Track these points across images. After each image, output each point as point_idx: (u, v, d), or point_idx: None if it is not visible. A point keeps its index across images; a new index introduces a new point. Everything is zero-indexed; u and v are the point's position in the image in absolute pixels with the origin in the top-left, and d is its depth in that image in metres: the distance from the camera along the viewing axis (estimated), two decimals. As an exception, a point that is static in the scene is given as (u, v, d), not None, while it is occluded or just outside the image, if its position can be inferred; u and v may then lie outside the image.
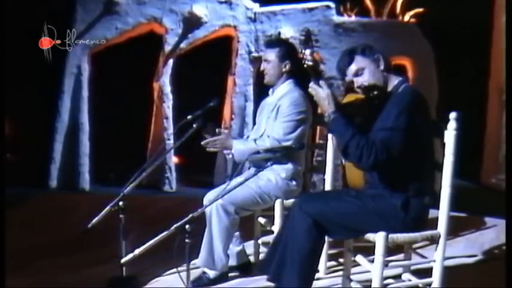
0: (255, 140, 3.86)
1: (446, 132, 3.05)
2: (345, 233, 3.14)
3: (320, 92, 3.03)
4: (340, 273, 3.84)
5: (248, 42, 6.50)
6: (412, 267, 3.48)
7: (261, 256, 4.16)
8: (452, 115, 3.04)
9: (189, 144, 6.21)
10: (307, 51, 2.99)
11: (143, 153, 6.62)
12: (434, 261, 3.14)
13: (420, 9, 6.79)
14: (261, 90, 6.37)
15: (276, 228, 3.77)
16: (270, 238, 4.18)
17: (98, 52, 6.43)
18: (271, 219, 3.97)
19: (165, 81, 6.47)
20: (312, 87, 3.06)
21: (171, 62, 6.47)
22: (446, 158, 3.06)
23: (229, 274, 3.90)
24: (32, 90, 6.51)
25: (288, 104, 3.77)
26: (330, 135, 3.85)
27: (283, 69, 3.88)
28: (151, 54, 6.56)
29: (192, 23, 6.40)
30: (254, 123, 6.31)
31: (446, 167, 3.06)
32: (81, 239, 4.65)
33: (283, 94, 3.85)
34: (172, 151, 6.47)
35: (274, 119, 3.83)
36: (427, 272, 3.38)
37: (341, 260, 4.06)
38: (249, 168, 4.03)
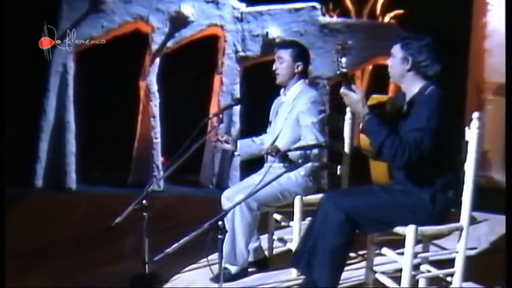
0: (274, 140, 4.03)
1: (469, 131, 3.28)
2: (376, 227, 3.34)
3: (353, 95, 3.21)
4: (354, 266, 4.07)
5: (235, 41, 6.65)
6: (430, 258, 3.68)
7: (275, 251, 4.35)
8: (475, 115, 3.27)
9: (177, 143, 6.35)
10: (343, 59, 3.18)
11: (129, 152, 6.69)
12: (457, 252, 3.36)
13: (400, 11, 7.06)
14: (249, 89, 6.58)
15: (295, 224, 3.94)
16: (283, 233, 4.38)
17: (84, 50, 6.45)
18: (286, 216, 4.15)
19: (152, 80, 6.55)
20: (344, 91, 3.24)
21: (157, 60, 6.55)
22: (469, 155, 3.28)
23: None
24: (17, 89, 6.47)
25: (310, 104, 3.93)
26: (345, 134, 4.04)
27: (296, 70, 4.04)
28: (137, 53, 6.62)
29: (179, 22, 6.51)
30: (241, 122, 6.51)
31: (469, 163, 3.29)
32: (84, 240, 4.76)
33: (299, 94, 4.01)
34: (160, 150, 6.57)
35: (294, 121, 3.98)
36: (441, 262, 3.63)
37: (351, 254, 4.27)
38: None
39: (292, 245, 3.99)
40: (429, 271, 3.57)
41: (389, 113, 3.40)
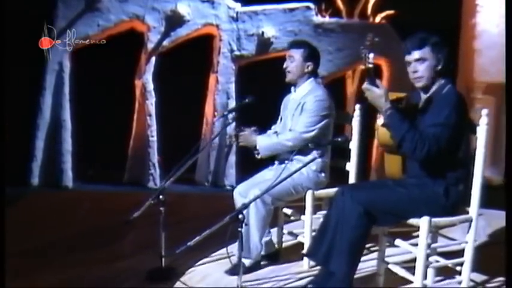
0: (277, 135, 4.22)
1: (478, 128, 3.50)
2: (392, 220, 3.53)
3: (376, 90, 3.41)
4: (364, 258, 4.26)
5: (230, 40, 6.82)
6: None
7: (284, 245, 4.54)
8: (484, 111, 3.50)
9: (173, 141, 6.50)
10: (371, 55, 3.36)
11: (125, 150, 6.82)
12: (466, 242, 3.59)
13: (391, 11, 7.29)
14: (244, 88, 6.75)
15: (306, 218, 4.13)
16: (292, 227, 4.58)
17: (79, 49, 6.55)
18: (295, 210, 4.35)
19: (148, 79, 6.68)
20: (367, 86, 3.44)
21: (153, 59, 6.69)
22: (478, 150, 3.51)
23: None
24: (13, 87, 6.54)
25: (314, 101, 4.13)
26: (354, 131, 4.24)
27: (306, 70, 4.23)
28: (133, 52, 6.75)
29: (174, 21, 6.65)
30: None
31: (478, 157, 3.51)
32: (90, 236, 4.89)
33: (307, 92, 4.21)
34: (156, 148, 6.70)
35: (299, 115, 4.18)
36: (446, 253, 3.85)
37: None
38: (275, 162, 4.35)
39: (304, 239, 4.19)
40: (437, 261, 3.79)
41: (406, 108, 3.60)
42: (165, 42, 6.69)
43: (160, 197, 3.98)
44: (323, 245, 3.53)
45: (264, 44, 6.84)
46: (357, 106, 4.27)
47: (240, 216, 3.48)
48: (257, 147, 4.20)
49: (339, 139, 3.70)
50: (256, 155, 4.25)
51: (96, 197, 6.26)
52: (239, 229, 3.48)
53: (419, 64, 3.48)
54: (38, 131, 6.45)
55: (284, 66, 4.26)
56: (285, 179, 3.59)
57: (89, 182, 6.74)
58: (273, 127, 4.49)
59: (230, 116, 4.92)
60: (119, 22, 6.58)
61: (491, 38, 6.94)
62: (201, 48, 6.93)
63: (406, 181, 3.58)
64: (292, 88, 4.34)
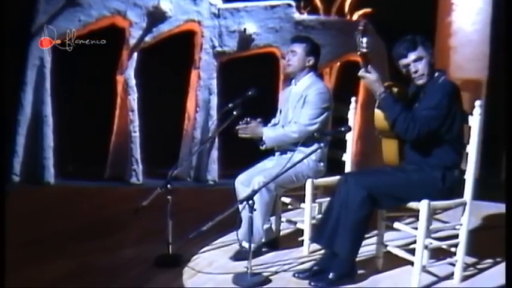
0: (283, 126, 4.57)
1: (471, 118, 3.91)
2: (392, 203, 3.93)
3: (370, 76, 3.81)
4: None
5: (212, 37, 7.13)
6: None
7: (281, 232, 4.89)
8: (477, 103, 3.91)
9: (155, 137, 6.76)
10: (365, 39, 3.71)
11: (106, 145, 7.06)
12: (461, 224, 4.00)
13: (368, 9, 7.71)
14: (226, 84, 7.08)
15: (306, 205, 4.49)
16: (289, 215, 4.93)
17: (61, 44, 6.73)
18: (294, 199, 4.71)
19: (130, 74, 6.93)
20: (362, 74, 3.83)
21: (135, 55, 6.95)
22: (471, 139, 3.92)
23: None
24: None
25: (315, 94, 4.50)
26: (350, 122, 4.62)
27: (307, 64, 4.60)
28: (114, 47, 6.98)
29: (156, 17, 6.92)
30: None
31: (471, 146, 3.93)
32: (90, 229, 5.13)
33: (308, 85, 4.57)
34: (138, 144, 6.96)
35: (301, 108, 4.54)
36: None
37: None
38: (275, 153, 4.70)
39: (304, 225, 4.55)
40: (431, 243, 4.18)
41: (402, 97, 3.98)
42: (147, 38, 6.94)
43: (168, 186, 4.29)
44: (327, 228, 3.91)
45: (245, 40, 7.18)
46: (353, 99, 4.66)
47: (250, 201, 3.84)
48: (263, 139, 4.53)
49: (342, 129, 4.07)
50: (260, 146, 4.57)
51: (81, 192, 6.48)
52: (249, 214, 3.85)
53: (418, 63, 3.89)
54: (19, 127, 6.61)
55: (286, 59, 4.62)
56: (290, 168, 3.96)
57: (71, 178, 6.93)
58: (272, 120, 4.83)
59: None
60: (101, 17, 6.79)
61: (466, 35, 7.42)
62: (183, 44, 7.20)
63: (405, 167, 3.98)
64: (293, 81, 4.70)
